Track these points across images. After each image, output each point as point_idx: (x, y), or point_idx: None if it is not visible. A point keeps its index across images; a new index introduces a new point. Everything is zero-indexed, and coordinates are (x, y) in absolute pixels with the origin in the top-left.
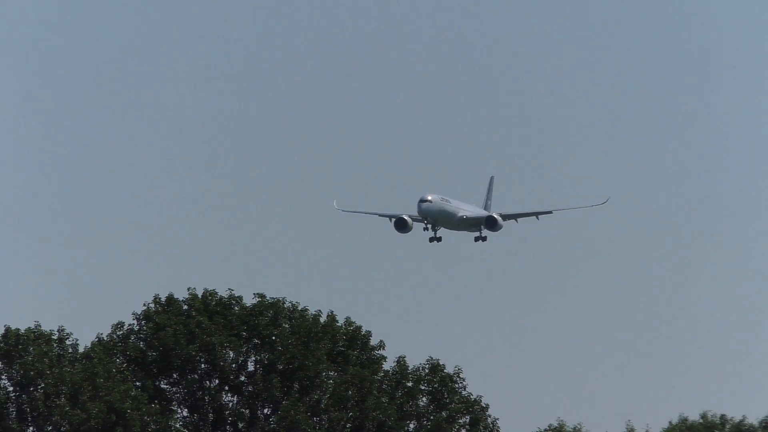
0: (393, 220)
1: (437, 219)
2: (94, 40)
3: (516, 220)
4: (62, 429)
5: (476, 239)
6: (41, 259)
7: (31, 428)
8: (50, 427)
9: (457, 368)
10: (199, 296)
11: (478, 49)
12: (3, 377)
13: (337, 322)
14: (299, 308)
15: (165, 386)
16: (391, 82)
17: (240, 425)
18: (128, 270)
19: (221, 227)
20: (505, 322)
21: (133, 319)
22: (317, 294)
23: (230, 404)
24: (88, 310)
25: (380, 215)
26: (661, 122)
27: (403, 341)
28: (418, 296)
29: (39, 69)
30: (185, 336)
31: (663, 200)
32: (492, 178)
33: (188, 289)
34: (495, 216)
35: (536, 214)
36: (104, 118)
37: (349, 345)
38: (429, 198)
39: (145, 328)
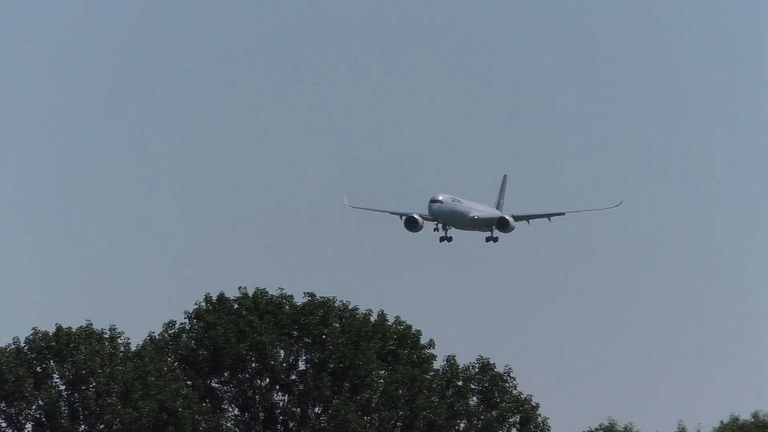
0: (403, 218)
1: (448, 219)
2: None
3: (528, 222)
4: (114, 428)
5: (487, 240)
6: (93, 258)
7: (83, 427)
8: (102, 426)
9: (507, 367)
10: (250, 295)
11: (495, 49)
12: (55, 376)
13: (387, 321)
14: (349, 307)
15: (216, 385)
16: (406, 80)
17: (290, 424)
18: (180, 269)
19: (272, 226)
20: (555, 321)
21: (185, 318)
22: (362, 294)
23: (281, 403)
24: (140, 308)
25: (391, 213)
26: (676, 125)
27: (451, 340)
28: (463, 295)
29: (91, 67)
30: (236, 335)
31: (689, 198)
32: (505, 177)
33: (239, 288)
34: (507, 217)
35: (549, 215)
36: (152, 120)
37: (399, 344)
38: (440, 198)
39: (196, 326)
